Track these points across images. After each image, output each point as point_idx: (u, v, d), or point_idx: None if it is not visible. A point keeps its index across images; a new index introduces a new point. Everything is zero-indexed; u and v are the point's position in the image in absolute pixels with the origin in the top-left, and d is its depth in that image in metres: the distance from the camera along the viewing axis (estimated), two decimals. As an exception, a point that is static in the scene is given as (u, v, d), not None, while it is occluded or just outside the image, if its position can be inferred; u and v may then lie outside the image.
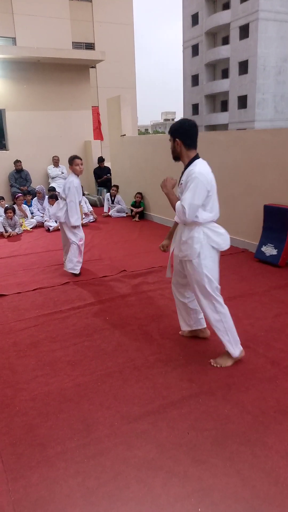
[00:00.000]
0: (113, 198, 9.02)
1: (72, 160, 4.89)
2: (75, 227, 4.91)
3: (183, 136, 2.74)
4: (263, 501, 1.86)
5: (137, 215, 8.42)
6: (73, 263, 4.97)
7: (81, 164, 4.89)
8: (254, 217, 5.54)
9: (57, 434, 2.31)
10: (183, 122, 2.79)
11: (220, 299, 2.84)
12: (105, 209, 9.07)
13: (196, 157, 2.78)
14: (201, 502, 1.86)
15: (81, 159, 4.91)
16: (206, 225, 2.77)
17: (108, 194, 9.11)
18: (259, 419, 2.37)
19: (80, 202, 4.97)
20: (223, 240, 2.83)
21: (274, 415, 2.40)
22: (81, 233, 5.01)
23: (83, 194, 8.75)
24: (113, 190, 9.02)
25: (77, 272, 4.99)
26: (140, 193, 8.49)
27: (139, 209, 8.44)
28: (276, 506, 1.83)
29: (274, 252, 5.09)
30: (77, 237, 4.96)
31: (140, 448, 2.19)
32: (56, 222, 7.40)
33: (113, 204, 9.00)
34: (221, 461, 2.09)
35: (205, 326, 3.26)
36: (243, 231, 5.84)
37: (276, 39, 32.42)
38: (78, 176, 4.93)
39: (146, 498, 1.89)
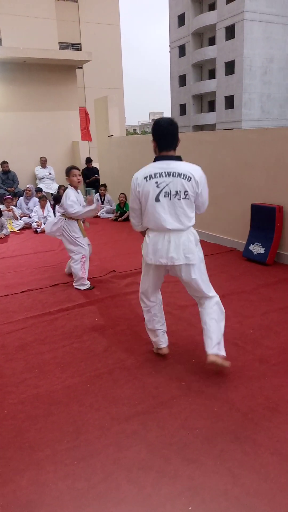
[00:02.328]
0: (102, 198, 8.99)
1: (69, 171, 4.52)
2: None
3: (156, 138, 2.64)
4: (253, 498, 1.87)
5: (119, 218, 8.37)
6: (79, 280, 4.62)
7: (79, 175, 4.54)
8: (242, 216, 5.58)
9: (47, 437, 2.30)
10: (155, 122, 2.67)
11: None
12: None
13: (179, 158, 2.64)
14: (192, 501, 1.87)
15: (79, 170, 4.57)
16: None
17: (97, 194, 9.06)
18: (248, 417, 2.38)
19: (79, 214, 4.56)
20: None
21: (263, 412, 2.42)
22: (82, 250, 4.60)
23: (59, 201, 8.71)
24: (101, 190, 8.98)
25: (85, 287, 4.60)
26: (123, 194, 8.40)
27: (123, 216, 8.32)
28: (266, 503, 1.84)
29: (262, 250, 5.13)
30: (79, 254, 4.59)
31: (130, 448, 2.19)
32: (44, 223, 7.34)
33: (103, 204, 8.96)
34: (211, 460, 2.09)
35: None
36: (231, 230, 5.87)
37: (261, 40, 32.73)
38: (76, 188, 4.56)
39: (136, 499, 1.89)
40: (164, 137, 2.61)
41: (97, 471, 2.05)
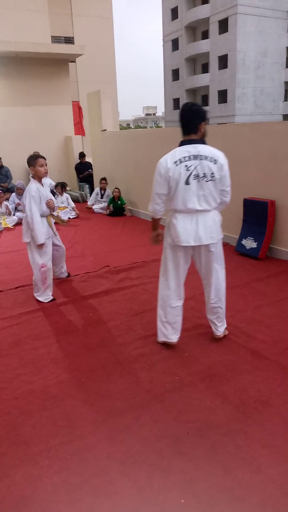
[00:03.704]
0: (103, 192, 8.89)
1: (35, 159, 3.92)
2: (40, 246, 3.95)
3: (179, 123, 2.79)
4: (245, 489, 1.90)
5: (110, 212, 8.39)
6: (39, 291, 4.11)
7: (46, 165, 3.98)
8: (235, 210, 5.59)
9: (41, 432, 2.31)
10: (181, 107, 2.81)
11: None
12: (90, 202, 8.96)
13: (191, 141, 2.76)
14: (185, 494, 1.89)
15: (45, 158, 4.01)
16: None
17: (98, 188, 8.94)
18: (241, 410, 2.41)
19: (47, 215, 4.09)
20: None
21: (255, 405, 2.45)
22: (44, 257, 4.03)
23: (64, 190, 8.68)
24: (102, 183, 8.79)
25: (45, 300, 4.10)
26: (118, 188, 8.33)
27: (124, 215, 8.28)
28: (258, 494, 1.87)
29: (254, 245, 5.16)
30: (38, 262, 4.02)
31: (124, 442, 2.21)
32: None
33: (102, 198, 8.87)
34: (203, 452, 2.12)
35: None
36: (223, 225, 5.82)
37: (255, 34, 32.62)
38: (40, 180, 4.02)
39: (130, 492, 1.91)
40: (184, 122, 2.73)
41: (91, 465, 2.07)
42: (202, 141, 2.74)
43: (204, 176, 2.69)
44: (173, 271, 2.95)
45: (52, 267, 4.29)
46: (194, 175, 2.68)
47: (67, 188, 9.81)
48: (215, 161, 2.69)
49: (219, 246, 2.95)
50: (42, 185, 4.09)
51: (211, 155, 2.69)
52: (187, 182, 2.69)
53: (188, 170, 2.67)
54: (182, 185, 2.70)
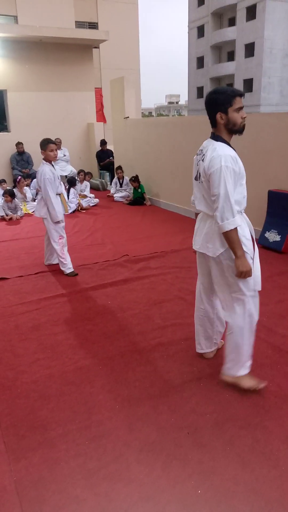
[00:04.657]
0: (121, 180, 8.87)
1: (46, 144, 4.26)
2: (57, 222, 4.42)
3: None
4: (262, 484, 1.88)
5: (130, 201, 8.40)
6: (62, 263, 4.52)
7: (56, 150, 4.36)
8: (258, 202, 5.48)
9: (58, 416, 2.33)
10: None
11: None
12: (112, 190, 8.96)
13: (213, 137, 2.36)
14: (201, 485, 1.88)
15: (55, 144, 4.38)
16: None
17: (115, 178, 8.95)
18: (260, 404, 2.38)
19: (60, 193, 4.49)
20: None
21: (275, 400, 2.41)
22: (61, 230, 4.49)
23: (87, 179, 8.66)
24: (118, 172, 8.80)
25: (68, 271, 4.50)
26: (134, 177, 8.22)
27: (144, 204, 8.23)
28: (275, 489, 1.85)
29: (278, 238, 5.05)
30: (57, 235, 4.46)
31: (141, 430, 2.20)
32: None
33: (122, 187, 8.86)
34: (221, 445, 2.10)
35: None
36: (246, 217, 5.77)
37: (284, 21, 31.61)
38: (51, 163, 4.39)
39: (146, 480, 1.91)
40: (212, 108, 2.31)
41: (108, 451, 2.08)
42: (215, 136, 2.33)
43: (200, 175, 2.37)
44: (199, 274, 2.72)
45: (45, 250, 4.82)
46: (197, 172, 2.41)
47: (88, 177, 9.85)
48: (207, 161, 2.26)
49: (227, 264, 2.36)
50: (53, 166, 4.45)
51: (207, 153, 2.28)
52: (195, 178, 2.45)
53: (197, 166, 2.41)
54: (194, 180, 2.47)
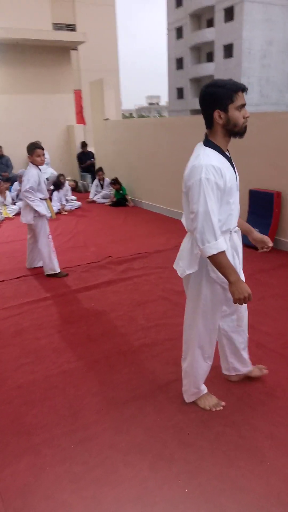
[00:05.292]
0: (102, 182, 8.84)
1: (33, 149, 4.24)
2: (43, 216, 4.37)
3: None
4: (249, 480, 1.89)
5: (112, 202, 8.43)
6: (50, 264, 4.47)
7: (43, 155, 4.33)
8: (240, 202, 5.53)
9: (44, 422, 2.30)
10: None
11: None
12: (91, 195, 8.91)
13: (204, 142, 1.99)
14: (188, 484, 1.88)
15: (43, 149, 4.33)
16: None
17: (96, 180, 8.91)
18: (245, 401, 2.40)
19: (46, 198, 4.51)
20: None
21: (259, 396, 2.43)
22: (47, 227, 4.46)
23: (61, 184, 8.57)
24: (99, 174, 8.77)
25: (56, 271, 4.49)
26: (113, 179, 8.22)
27: (127, 205, 8.22)
28: (262, 485, 1.86)
29: (259, 236, 5.11)
30: (45, 235, 4.42)
31: (128, 432, 2.20)
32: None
33: (103, 189, 8.82)
34: (207, 443, 2.11)
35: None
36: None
37: (261, 22, 32.07)
38: (38, 166, 4.37)
39: (133, 482, 1.90)
40: (205, 105, 1.93)
41: (94, 454, 2.06)
42: (207, 139, 1.98)
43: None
44: None
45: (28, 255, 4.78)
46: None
47: (68, 178, 9.79)
48: (187, 170, 1.93)
49: (191, 287, 2.15)
50: (40, 170, 4.45)
51: (191, 161, 1.94)
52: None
53: None
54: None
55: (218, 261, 1.91)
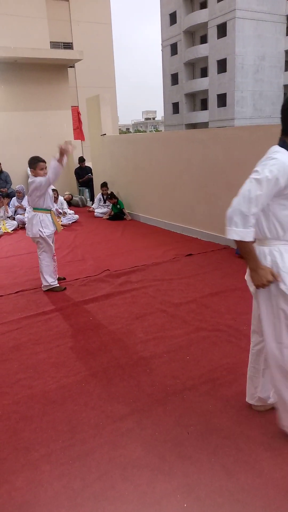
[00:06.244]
0: (105, 197, 8.93)
1: (36, 163, 4.28)
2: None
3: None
4: (248, 493, 1.88)
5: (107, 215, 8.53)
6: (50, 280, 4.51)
7: (46, 168, 4.33)
8: (235, 213, 5.59)
9: (42, 437, 2.29)
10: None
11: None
12: (95, 205, 9.05)
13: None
14: (187, 498, 1.87)
15: (45, 162, 4.35)
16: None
17: (100, 194, 9.01)
18: (243, 413, 2.40)
19: (50, 210, 4.50)
20: None
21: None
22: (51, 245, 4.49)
23: (55, 199, 8.61)
24: (103, 189, 8.87)
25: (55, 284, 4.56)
26: (110, 194, 8.37)
27: (124, 219, 8.30)
28: (260, 498, 1.86)
29: (255, 247, 5.14)
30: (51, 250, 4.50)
31: (125, 447, 2.19)
32: None
33: (105, 203, 8.91)
34: (205, 456, 2.10)
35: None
36: (224, 228, 5.86)
37: (253, 38, 32.78)
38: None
39: (132, 497, 1.89)
40: (282, 118, 1.97)
41: (92, 470, 2.06)
42: (284, 143, 1.95)
43: None
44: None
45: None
46: None
47: (66, 192, 9.91)
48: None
49: (268, 307, 2.10)
50: None
51: (265, 156, 2.00)
52: None
53: None
54: None
55: (242, 245, 1.91)
